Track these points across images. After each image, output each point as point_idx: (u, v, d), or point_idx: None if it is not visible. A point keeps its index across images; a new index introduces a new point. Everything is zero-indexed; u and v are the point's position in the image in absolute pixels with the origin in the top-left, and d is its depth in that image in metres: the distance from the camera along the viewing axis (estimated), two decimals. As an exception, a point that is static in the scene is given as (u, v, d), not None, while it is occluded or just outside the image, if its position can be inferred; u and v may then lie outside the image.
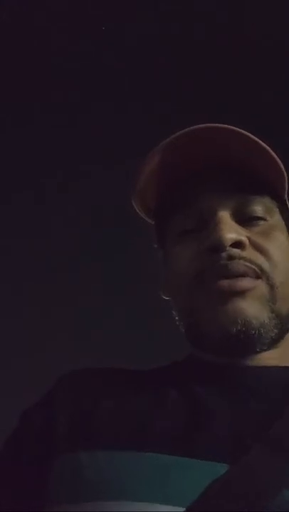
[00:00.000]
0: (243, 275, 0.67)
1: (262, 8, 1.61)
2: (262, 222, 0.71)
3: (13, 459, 0.69)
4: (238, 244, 0.68)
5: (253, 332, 0.66)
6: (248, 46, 1.67)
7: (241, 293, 0.66)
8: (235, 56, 1.69)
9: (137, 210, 0.76)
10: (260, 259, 0.69)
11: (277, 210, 0.73)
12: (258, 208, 0.71)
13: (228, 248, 0.67)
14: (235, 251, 0.67)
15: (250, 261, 0.68)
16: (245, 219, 0.70)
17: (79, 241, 1.90)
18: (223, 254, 0.67)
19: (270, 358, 0.69)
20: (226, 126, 0.69)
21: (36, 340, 1.86)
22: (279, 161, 0.70)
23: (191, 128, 0.69)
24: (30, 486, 0.66)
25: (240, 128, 0.70)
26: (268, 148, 0.70)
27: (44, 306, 1.91)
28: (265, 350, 0.68)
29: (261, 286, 0.68)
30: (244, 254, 0.68)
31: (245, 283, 0.67)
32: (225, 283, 0.66)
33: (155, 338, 1.77)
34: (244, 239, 0.68)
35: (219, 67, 1.72)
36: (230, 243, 0.67)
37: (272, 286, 0.68)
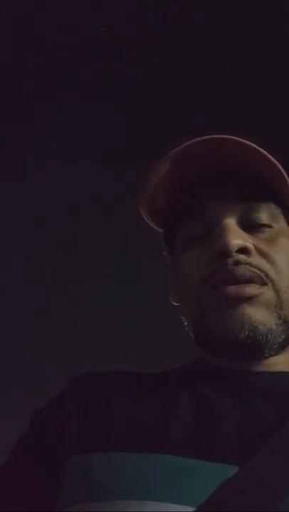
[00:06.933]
0: (250, 280, 0.68)
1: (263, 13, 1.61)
2: (267, 229, 0.73)
3: (25, 458, 0.70)
4: (244, 250, 0.69)
5: (261, 337, 0.67)
6: (249, 46, 1.67)
7: (248, 299, 0.68)
8: (235, 57, 1.69)
9: (145, 218, 0.78)
10: (266, 266, 0.70)
11: (283, 216, 0.75)
12: (264, 215, 0.72)
13: (234, 254, 0.69)
14: (242, 256, 0.69)
15: (257, 267, 0.69)
16: (250, 226, 0.72)
17: (80, 241, 1.90)
18: (230, 260, 0.69)
19: (277, 363, 0.71)
20: (231, 137, 0.71)
21: (36, 341, 1.86)
22: (282, 169, 0.72)
23: (199, 138, 0.71)
24: (42, 486, 0.67)
25: (242, 134, 0.71)
26: (270, 157, 0.71)
27: (44, 306, 1.91)
28: (272, 355, 0.70)
29: (267, 293, 0.69)
30: (250, 260, 0.69)
31: (252, 289, 0.68)
32: (232, 288, 0.68)
33: (158, 340, 1.77)
34: (250, 245, 0.70)
35: (220, 68, 1.72)
36: (236, 249, 0.69)
37: (278, 292, 0.70)
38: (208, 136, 0.71)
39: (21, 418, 0.76)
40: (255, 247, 0.70)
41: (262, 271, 0.69)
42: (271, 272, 0.70)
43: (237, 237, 0.69)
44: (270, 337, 0.67)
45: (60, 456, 0.66)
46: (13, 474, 0.70)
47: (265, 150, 0.72)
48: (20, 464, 0.70)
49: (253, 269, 0.69)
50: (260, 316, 0.68)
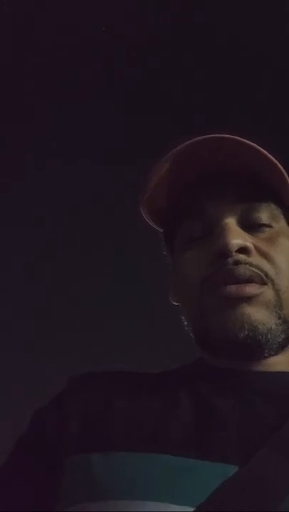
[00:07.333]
0: (249, 280, 0.68)
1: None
2: (267, 229, 0.73)
3: (25, 458, 0.70)
4: (243, 249, 0.69)
5: (260, 337, 0.67)
6: (249, 46, 1.67)
7: (248, 298, 0.68)
8: (235, 57, 1.69)
9: (146, 218, 0.78)
10: (266, 266, 0.70)
11: (283, 216, 0.75)
12: (264, 215, 0.73)
13: (234, 253, 0.69)
14: (241, 256, 0.69)
15: (256, 266, 0.69)
16: (250, 226, 0.72)
17: (80, 241, 1.90)
18: (230, 260, 0.69)
19: (277, 363, 0.71)
20: (232, 136, 0.71)
21: (36, 341, 1.86)
22: (282, 169, 0.72)
23: (199, 138, 0.71)
24: (42, 486, 0.67)
25: (242, 134, 0.72)
26: (270, 156, 0.71)
27: (44, 306, 1.91)
28: (272, 355, 0.70)
29: (267, 292, 0.69)
30: (250, 259, 0.69)
31: (251, 289, 0.68)
32: (232, 288, 0.68)
33: (158, 340, 1.77)
34: (249, 245, 0.70)
35: (220, 68, 1.72)
36: (236, 248, 0.69)
37: (278, 292, 0.70)
38: (208, 136, 0.71)
39: (21, 418, 0.76)
40: (255, 247, 0.70)
41: (262, 271, 0.69)
42: (271, 272, 0.70)
43: (237, 237, 0.69)
44: (269, 337, 0.67)
45: (60, 456, 0.66)
46: (13, 474, 0.70)
47: (265, 150, 0.72)
48: (20, 463, 0.70)
49: (253, 269, 0.69)
50: (259, 315, 0.68)
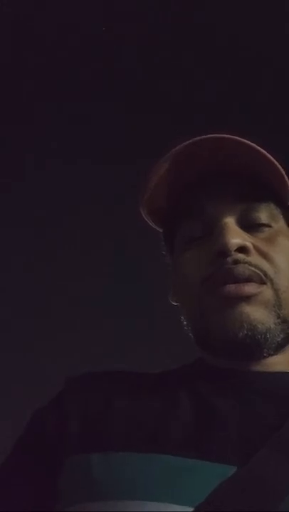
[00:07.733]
0: (248, 279, 0.69)
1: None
2: (266, 229, 0.73)
3: (25, 458, 0.70)
4: (242, 249, 0.69)
5: (259, 337, 0.67)
6: (249, 46, 1.67)
7: (247, 298, 0.68)
8: (235, 57, 1.69)
9: (145, 218, 0.78)
10: (265, 265, 0.70)
11: (282, 216, 0.75)
12: (263, 215, 0.73)
13: (233, 253, 0.69)
14: (241, 256, 0.69)
15: (255, 266, 0.70)
16: (250, 225, 0.72)
17: (80, 241, 1.90)
18: (229, 259, 0.69)
19: (277, 363, 0.71)
20: (231, 136, 0.71)
21: (36, 341, 1.86)
22: (281, 169, 0.72)
23: (199, 138, 0.71)
24: (42, 486, 0.67)
25: (242, 134, 0.72)
26: (270, 157, 0.72)
27: (44, 306, 1.91)
28: (271, 354, 0.70)
29: (266, 292, 0.69)
30: (249, 259, 0.70)
31: (250, 288, 0.68)
32: (231, 287, 0.68)
33: (158, 340, 1.77)
34: (248, 244, 0.70)
35: (220, 68, 1.72)
36: (235, 248, 0.69)
37: (277, 292, 0.70)
38: (208, 135, 0.71)
39: (21, 418, 0.76)
40: (254, 247, 0.70)
41: (261, 270, 0.69)
42: (270, 271, 0.70)
43: (236, 237, 0.69)
44: (268, 336, 0.68)
45: (60, 456, 0.66)
46: (13, 474, 0.70)
47: (265, 150, 0.72)
48: (20, 463, 0.70)
49: (252, 268, 0.69)
50: (258, 315, 0.68)
